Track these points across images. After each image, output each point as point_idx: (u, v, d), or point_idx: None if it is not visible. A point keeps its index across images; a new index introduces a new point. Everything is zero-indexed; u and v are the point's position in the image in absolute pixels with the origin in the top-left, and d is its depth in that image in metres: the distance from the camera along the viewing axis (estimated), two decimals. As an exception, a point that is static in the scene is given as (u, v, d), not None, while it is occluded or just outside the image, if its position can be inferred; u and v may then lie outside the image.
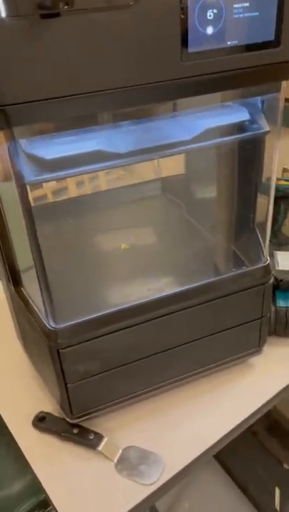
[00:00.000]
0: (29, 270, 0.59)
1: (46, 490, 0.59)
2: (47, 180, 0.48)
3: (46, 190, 1.09)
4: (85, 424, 0.65)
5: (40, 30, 0.39)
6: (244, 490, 1.17)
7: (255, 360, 0.74)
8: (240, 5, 0.44)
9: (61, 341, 0.56)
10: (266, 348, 0.73)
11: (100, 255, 0.75)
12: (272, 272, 0.68)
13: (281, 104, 0.55)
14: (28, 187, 0.49)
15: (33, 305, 0.60)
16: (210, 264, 0.73)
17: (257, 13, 0.45)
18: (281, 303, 0.76)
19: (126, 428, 0.65)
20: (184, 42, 0.44)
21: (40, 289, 0.55)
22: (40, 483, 0.60)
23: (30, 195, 0.50)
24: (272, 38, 0.47)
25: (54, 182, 1.14)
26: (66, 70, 0.41)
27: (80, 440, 0.63)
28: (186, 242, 0.78)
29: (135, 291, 0.66)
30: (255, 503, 1.14)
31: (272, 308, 0.75)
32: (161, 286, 0.66)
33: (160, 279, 0.69)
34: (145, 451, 0.62)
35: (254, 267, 0.64)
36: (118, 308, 0.59)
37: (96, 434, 0.63)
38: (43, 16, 0.39)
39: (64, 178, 0.50)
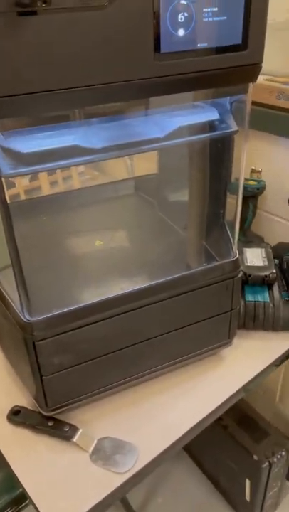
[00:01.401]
0: (5, 264, 0.60)
1: (22, 482, 0.60)
2: (23, 174, 0.49)
3: (19, 189, 1.10)
4: (60, 417, 0.66)
5: (17, 27, 0.40)
6: (215, 483, 1.19)
7: (226, 352, 0.77)
8: (209, 9, 0.46)
9: (37, 333, 0.57)
10: (236, 341, 0.76)
11: (75, 251, 0.77)
12: (242, 268, 0.71)
13: (248, 105, 0.58)
14: (3, 181, 0.50)
15: (9, 298, 0.61)
16: (182, 260, 0.75)
17: (225, 18, 0.47)
18: (249, 297, 0.79)
19: (101, 420, 0.67)
20: (157, 43, 0.46)
21: (16, 283, 0.56)
22: (16, 477, 0.60)
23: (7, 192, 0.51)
24: (239, 41, 0.50)
25: (27, 181, 1.14)
26: (42, 67, 0.42)
27: (55, 432, 0.64)
28: (158, 239, 0.80)
29: (109, 287, 0.68)
30: (226, 496, 1.17)
31: (242, 303, 0.78)
32: (135, 282, 0.68)
33: (134, 274, 0.71)
34: (120, 441, 0.63)
35: (224, 261, 0.67)
36: (92, 301, 0.60)
37: (71, 426, 0.64)
38: (20, 14, 0.40)
39: (39, 172, 0.52)
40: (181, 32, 0.46)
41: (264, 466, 0.98)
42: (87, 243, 0.77)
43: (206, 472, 1.22)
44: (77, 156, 0.51)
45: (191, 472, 1.23)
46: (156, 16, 0.45)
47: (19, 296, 0.57)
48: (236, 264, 0.68)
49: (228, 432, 1.05)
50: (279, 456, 1.00)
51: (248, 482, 1.04)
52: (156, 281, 0.63)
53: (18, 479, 0.60)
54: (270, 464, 0.99)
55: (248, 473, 1.04)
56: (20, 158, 0.49)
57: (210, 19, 0.47)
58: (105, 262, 0.75)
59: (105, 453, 0.62)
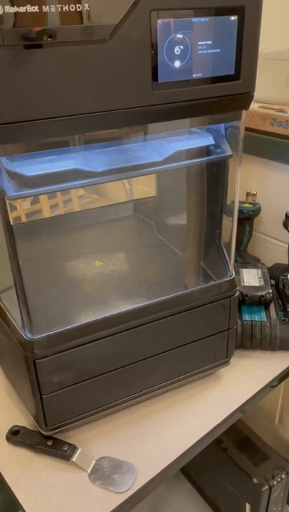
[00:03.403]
0: (6, 286, 0.61)
1: (21, 503, 0.59)
2: (27, 196, 0.51)
3: (21, 212, 1.12)
4: (59, 437, 0.66)
5: (23, 59, 0.43)
6: (216, 509, 1.17)
7: (223, 371, 0.78)
8: (204, 42, 0.49)
9: (37, 351, 0.58)
10: (233, 360, 0.77)
11: (75, 271, 0.78)
12: (238, 288, 0.72)
13: (242, 131, 0.61)
14: (8, 203, 0.52)
15: (10, 317, 0.62)
16: (180, 280, 0.77)
17: (219, 50, 0.50)
18: (246, 317, 0.80)
19: (99, 439, 0.67)
20: (155, 74, 0.49)
21: (18, 302, 0.58)
22: (15, 497, 0.60)
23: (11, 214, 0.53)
24: (232, 72, 0.53)
25: (29, 204, 1.17)
26: (46, 95, 0.45)
27: (54, 452, 0.64)
28: (157, 260, 0.82)
29: (108, 306, 0.69)
30: (226, 522, 1.15)
31: (239, 322, 0.80)
32: (134, 301, 0.69)
33: (133, 294, 0.72)
34: (118, 461, 0.63)
35: (221, 281, 0.69)
36: (91, 319, 0.62)
37: (70, 445, 0.65)
38: (27, 47, 0.43)
39: (42, 194, 0.53)
40: (177, 63, 0.49)
41: (264, 489, 0.97)
42: (87, 263, 0.79)
43: (205, 497, 1.20)
44: (78, 179, 0.54)
45: (191, 498, 1.21)
46: (154, 48, 0.48)
47: (21, 314, 0.58)
48: (233, 283, 0.69)
49: (228, 454, 1.04)
50: (279, 479, 0.99)
51: (248, 506, 1.03)
52: (154, 300, 0.65)
53: (17, 500, 0.60)
54: (270, 487, 0.98)
55: (247, 497, 1.02)
56: (24, 181, 0.51)
57: (204, 51, 0.50)
58: (105, 282, 0.77)
59: (104, 472, 0.62)
